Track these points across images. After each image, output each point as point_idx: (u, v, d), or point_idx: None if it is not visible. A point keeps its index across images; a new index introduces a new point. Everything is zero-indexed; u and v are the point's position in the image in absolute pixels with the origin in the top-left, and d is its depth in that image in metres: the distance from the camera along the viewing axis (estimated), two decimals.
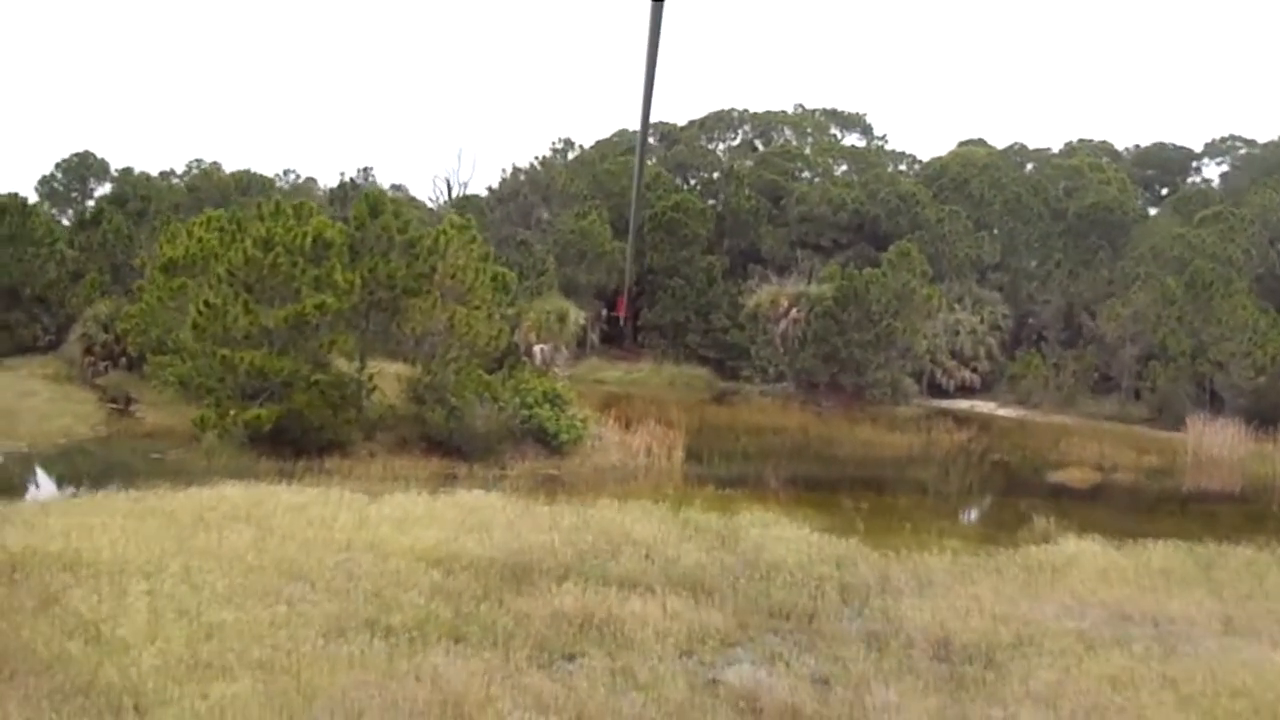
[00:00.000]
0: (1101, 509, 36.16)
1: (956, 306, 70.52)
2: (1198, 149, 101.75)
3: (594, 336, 77.58)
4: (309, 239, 36.05)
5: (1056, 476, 42.16)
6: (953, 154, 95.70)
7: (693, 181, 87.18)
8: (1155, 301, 60.58)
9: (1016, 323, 72.58)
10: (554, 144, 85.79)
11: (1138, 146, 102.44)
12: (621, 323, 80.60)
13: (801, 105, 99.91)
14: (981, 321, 70.61)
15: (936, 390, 68.21)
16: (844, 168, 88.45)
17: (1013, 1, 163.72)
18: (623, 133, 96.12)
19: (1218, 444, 49.23)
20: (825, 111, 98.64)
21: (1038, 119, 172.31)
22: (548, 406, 39.34)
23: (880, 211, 78.13)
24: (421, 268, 37.65)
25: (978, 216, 77.09)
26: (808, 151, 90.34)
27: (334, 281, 35.90)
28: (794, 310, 64.89)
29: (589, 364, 73.43)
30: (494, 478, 35.87)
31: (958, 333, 69.16)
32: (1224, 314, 57.39)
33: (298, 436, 35.81)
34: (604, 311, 79.33)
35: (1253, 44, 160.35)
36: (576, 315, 63.58)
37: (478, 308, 38.76)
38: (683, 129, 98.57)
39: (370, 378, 38.46)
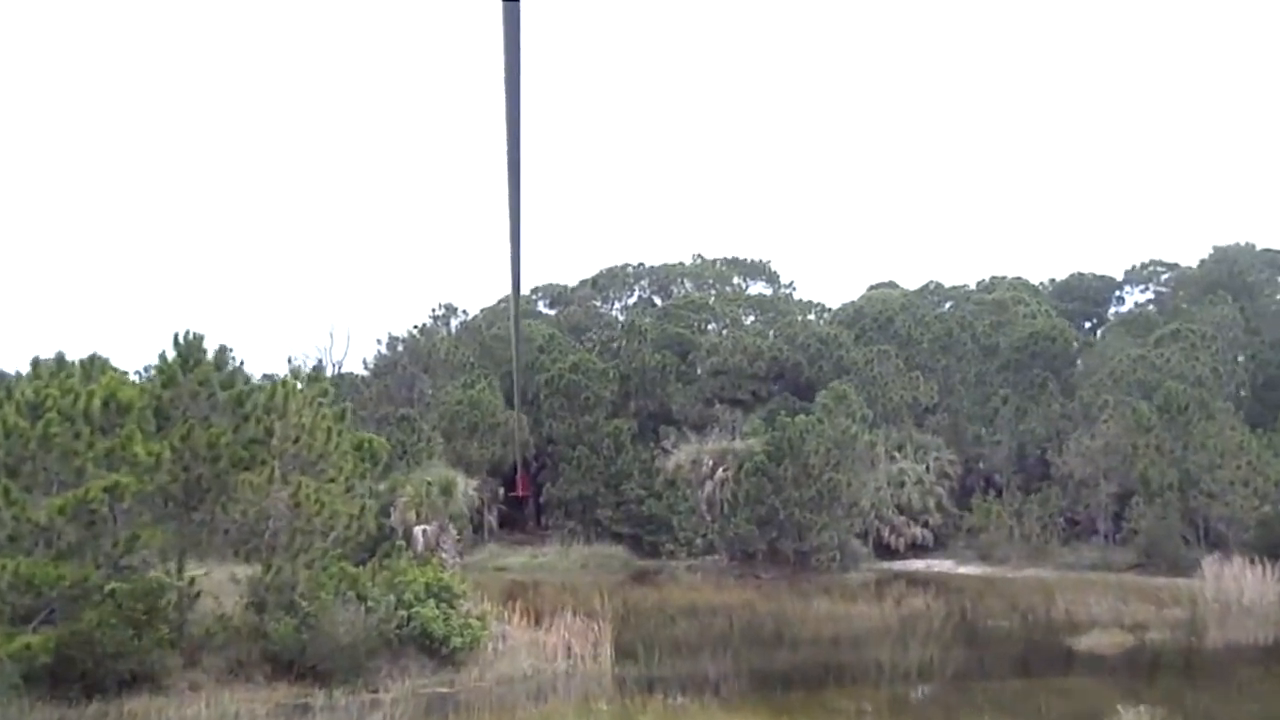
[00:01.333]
0: (1171, 680, 27.79)
1: (897, 455, 62.85)
2: (1118, 276, 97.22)
3: (492, 519, 68.44)
4: (97, 401, 26.89)
5: (1080, 643, 33.72)
6: (866, 297, 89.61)
7: (590, 342, 79.36)
8: (1128, 431, 53.55)
9: (964, 468, 65.00)
10: (434, 310, 77.98)
11: (1053, 280, 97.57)
12: (523, 504, 71.66)
13: (700, 255, 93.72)
14: (927, 470, 62.88)
15: (884, 551, 60.01)
16: (752, 318, 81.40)
17: (907, 146, 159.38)
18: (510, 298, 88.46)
19: (1241, 588, 41.44)
20: (726, 260, 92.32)
21: (946, 260, 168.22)
22: (433, 604, 29.95)
23: (801, 358, 70.95)
24: (254, 431, 28.60)
25: (906, 356, 70.11)
26: (712, 302, 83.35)
27: (133, 455, 26.61)
28: (720, 470, 56.67)
29: (487, 551, 64.16)
30: (364, 705, 26.58)
31: (902, 483, 61.27)
32: (1208, 438, 50.48)
33: (89, 669, 26.03)
34: (502, 491, 70.46)
35: (1162, 168, 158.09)
36: (466, 484, 54.34)
37: (332, 480, 29.70)
38: (574, 289, 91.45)
39: (192, 582, 28.72)
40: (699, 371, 74.76)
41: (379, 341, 74.49)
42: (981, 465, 65.15)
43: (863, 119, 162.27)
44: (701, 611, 44.27)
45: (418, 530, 44.21)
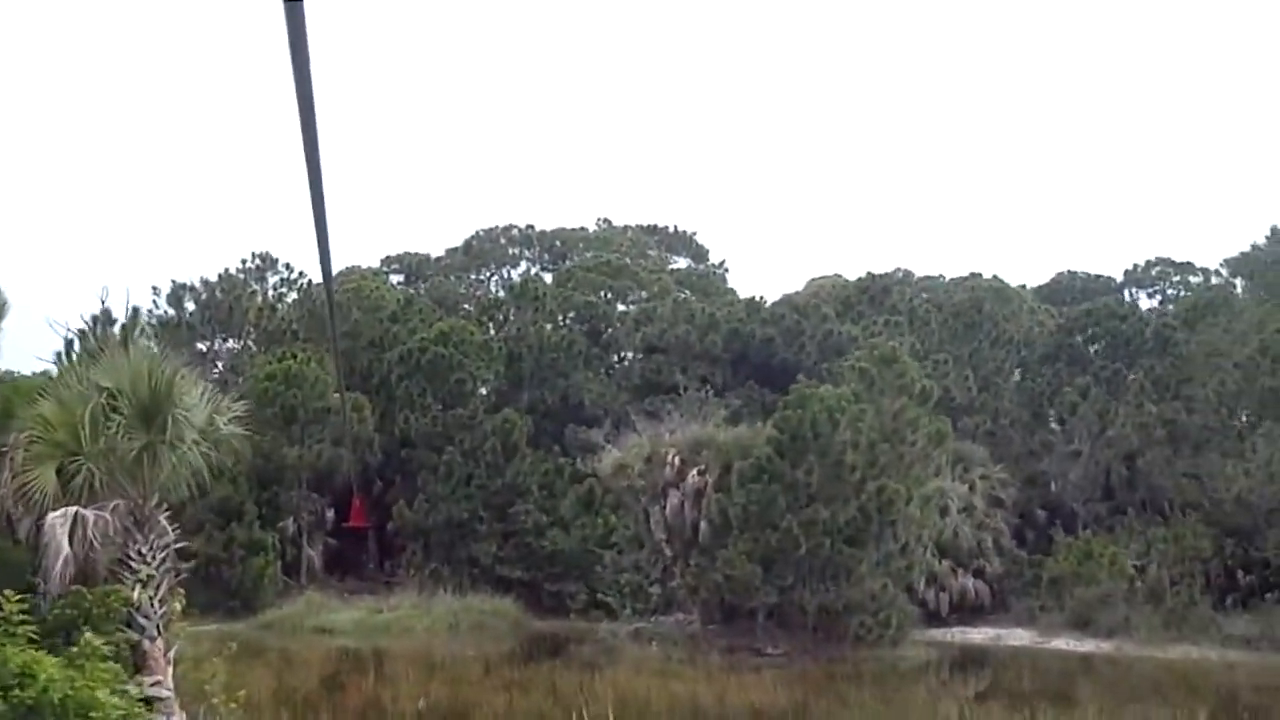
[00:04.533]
0: None
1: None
2: (1117, 277, 78.66)
3: (314, 555, 45.47)
4: None
5: None
6: (812, 287, 68.79)
7: (464, 314, 56.85)
8: None
9: (1018, 492, 44.31)
10: (245, 261, 54.59)
11: (1036, 284, 78.41)
12: (359, 534, 48.84)
13: (607, 220, 71.68)
14: (971, 489, 42.09)
15: (920, 611, 38.71)
16: (685, 295, 59.52)
17: (856, 118, 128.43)
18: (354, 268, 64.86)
19: None
20: (642, 228, 70.63)
21: (899, 257, 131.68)
22: None
23: (773, 332, 49.48)
24: None
25: (911, 343, 49.17)
26: (631, 265, 61.36)
27: None
28: (693, 475, 34.60)
29: (303, 602, 41.23)
30: None
31: (944, 511, 40.09)
32: None
33: None
34: (331, 515, 47.52)
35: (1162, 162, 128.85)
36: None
37: None
38: (438, 259, 68.82)
39: None
40: (620, 354, 53.12)
41: (155, 293, 50.81)
42: (1049, 487, 44.56)
43: (801, 81, 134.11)
44: None
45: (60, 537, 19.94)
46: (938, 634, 38.36)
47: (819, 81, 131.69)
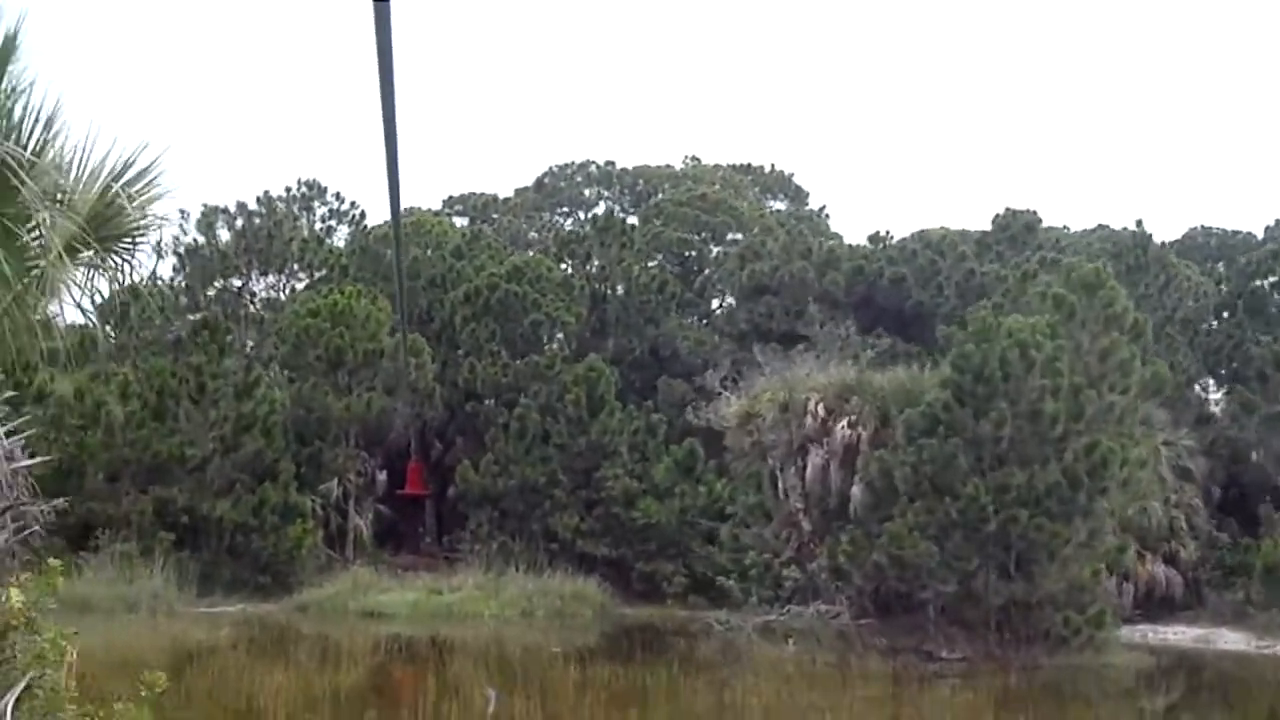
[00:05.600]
0: None
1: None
2: (1257, 234, 70.15)
3: (363, 526, 38.45)
4: None
5: None
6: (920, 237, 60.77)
7: (538, 248, 49.76)
8: None
9: (1208, 462, 36.52)
10: (290, 189, 47.73)
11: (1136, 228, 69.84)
12: (417, 504, 42.03)
13: (696, 158, 64.03)
14: (1155, 457, 34.26)
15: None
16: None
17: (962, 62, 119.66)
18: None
19: None
20: (735, 167, 62.95)
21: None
22: None
23: (906, 271, 41.99)
24: None
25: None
26: (733, 201, 53.74)
27: None
28: (843, 426, 27.08)
29: (349, 580, 34.08)
30: None
31: (1125, 482, 32.22)
32: None
33: None
34: (383, 478, 40.49)
35: None
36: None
37: None
38: (508, 200, 61.65)
39: None
40: (722, 298, 45.83)
41: (183, 216, 43.85)
42: (1253, 457, 36.79)
43: (902, 15, 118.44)
44: None
45: None
46: (1125, 633, 30.78)
47: (920, 17, 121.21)
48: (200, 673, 20.47)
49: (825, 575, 27.08)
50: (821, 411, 27.08)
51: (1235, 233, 70.44)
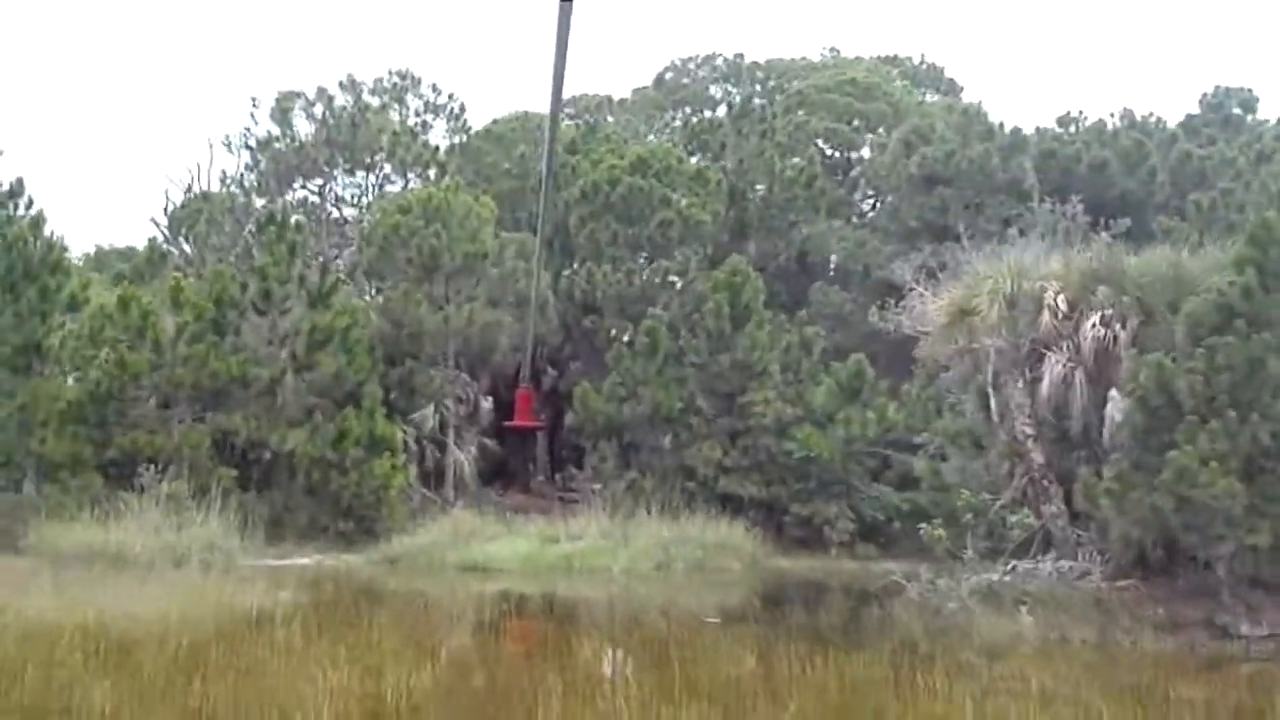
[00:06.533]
0: None
1: None
2: None
3: (465, 461, 32.62)
4: None
5: None
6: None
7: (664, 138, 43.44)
8: None
9: None
10: (380, 80, 41.86)
11: None
12: (528, 437, 36.12)
13: (836, 50, 56.65)
14: None
15: None
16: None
17: None
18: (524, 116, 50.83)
19: None
20: (880, 58, 55.56)
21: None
22: None
23: (1109, 155, 34.72)
24: None
25: None
26: (886, 88, 46.59)
27: None
28: (1089, 327, 20.19)
29: (449, 524, 28.19)
30: None
31: None
32: None
33: None
34: (489, 405, 34.41)
35: None
36: None
37: None
38: (624, 101, 55.22)
39: None
40: (877, 197, 39.05)
41: (254, 105, 38.07)
42: None
43: None
44: None
45: None
46: None
47: None
48: (213, 674, 14.24)
49: (1064, 522, 20.39)
50: (1063, 305, 20.30)
51: None
